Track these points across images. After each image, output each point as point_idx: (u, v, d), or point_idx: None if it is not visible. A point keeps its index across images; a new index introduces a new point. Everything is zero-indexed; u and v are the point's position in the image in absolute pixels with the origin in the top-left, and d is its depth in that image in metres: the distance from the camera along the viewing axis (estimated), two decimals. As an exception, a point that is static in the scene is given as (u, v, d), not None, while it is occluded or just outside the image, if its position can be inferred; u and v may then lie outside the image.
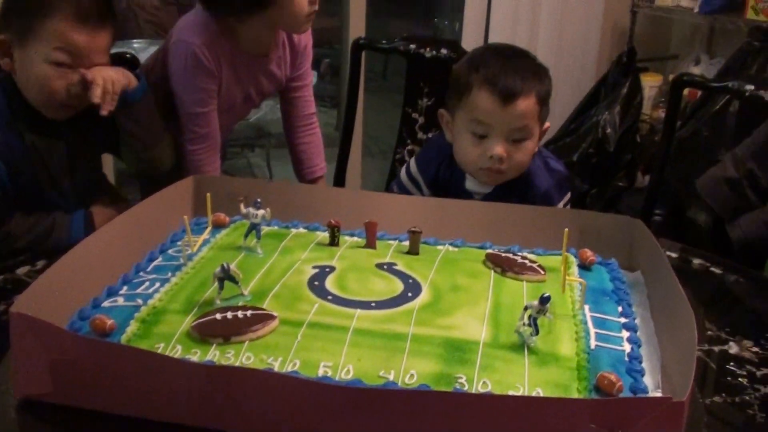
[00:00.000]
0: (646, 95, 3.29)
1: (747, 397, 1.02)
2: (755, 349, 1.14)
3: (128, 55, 1.79)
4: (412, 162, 1.56)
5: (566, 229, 1.09)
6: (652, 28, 3.53)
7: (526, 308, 0.94)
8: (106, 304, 1.00)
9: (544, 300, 0.92)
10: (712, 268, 1.39)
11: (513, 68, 1.39)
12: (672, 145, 1.81)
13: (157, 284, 1.04)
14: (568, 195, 1.49)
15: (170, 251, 1.16)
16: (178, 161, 1.62)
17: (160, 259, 1.13)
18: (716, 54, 3.32)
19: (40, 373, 0.87)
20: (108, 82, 1.40)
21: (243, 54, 1.66)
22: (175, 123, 1.63)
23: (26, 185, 1.41)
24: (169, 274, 1.07)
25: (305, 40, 1.76)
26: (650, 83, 3.35)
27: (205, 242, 1.18)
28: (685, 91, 3.27)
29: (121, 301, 1.00)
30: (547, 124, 1.45)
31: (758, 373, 1.08)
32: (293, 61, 1.76)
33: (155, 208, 1.22)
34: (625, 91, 3.19)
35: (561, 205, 1.47)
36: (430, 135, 2.06)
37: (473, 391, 0.84)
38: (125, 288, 1.04)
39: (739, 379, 1.06)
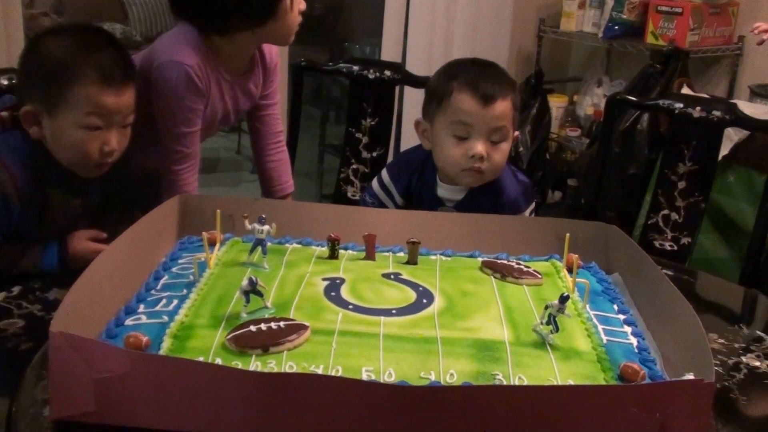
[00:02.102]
0: (553, 115, 3.46)
1: (727, 383, 1.12)
2: (721, 341, 1.25)
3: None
4: (384, 173, 1.63)
5: (567, 234, 1.17)
6: (555, 51, 3.73)
7: (546, 307, 1.00)
8: (129, 322, 0.99)
9: (564, 299, 0.99)
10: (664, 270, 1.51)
11: (490, 74, 1.50)
12: (608, 158, 1.93)
13: (176, 301, 1.04)
14: (533, 204, 1.58)
15: (174, 269, 1.16)
16: (158, 180, 1.60)
17: (166, 277, 1.13)
18: (615, 76, 3.54)
19: (81, 393, 0.85)
20: None
21: (226, 72, 1.66)
22: (145, 141, 1.60)
23: (26, 229, 1.38)
24: (185, 290, 1.07)
25: (276, 58, 1.78)
26: (557, 104, 3.53)
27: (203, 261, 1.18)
28: (591, 111, 3.50)
29: (144, 318, 1.00)
30: (516, 133, 1.55)
31: (730, 362, 1.18)
32: (265, 79, 1.77)
33: (147, 229, 1.21)
34: (534, 111, 3.35)
35: (527, 212, 1.56)
36: (374, 154, 2.12)
37: (514, 386, 0.90)
38: (142, 306, 1.04)
39: (715, 368, 1.15)
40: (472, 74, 1.48)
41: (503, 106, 1.46)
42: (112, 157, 1.41)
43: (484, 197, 1.52)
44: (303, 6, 1.66)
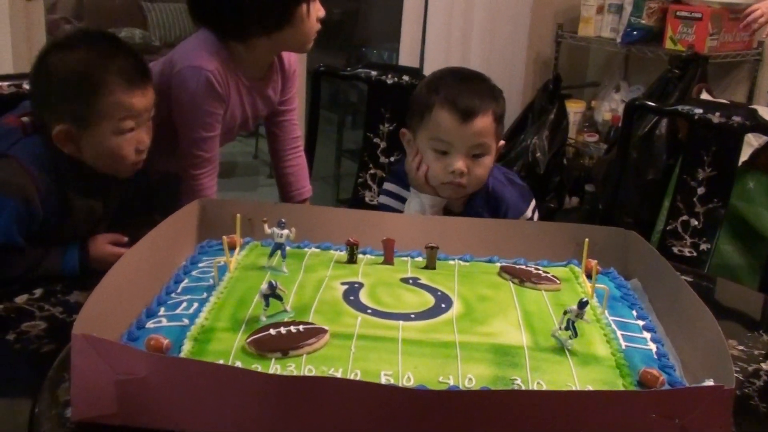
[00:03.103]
0: (570, 120, 3.46)
1: (746, 390, 1.12)
2: (741, 347, 1.24)
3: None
4: (391, 186, 1.63)
5: (586, 239, 1.17)
6: (573, 56, 3.73)
7: (565, 312, 1.00)
8: (150, 325, 1.00)
9: (583, 304, 0.99)
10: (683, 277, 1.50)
11: (470, 89, 1.48)
12: (627, 164, 1.93)
13: (196, 304, 1.05)
14: (534, 201, 1.60)
15: (194, 273, 1.17)
16: (177, 186, 1.62)
17: (186, 280, 1.14)
18: (634, 81, 3.53)
19: (103, 395, 0.86)
20: None
21: (245, 78, 1.67)
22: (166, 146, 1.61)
23: (48, 233, 1.40)
24: (205, 294, 1.08)
25: (294, 64, 1.79)
26: (574, 109, 3.53)
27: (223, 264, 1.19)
28: (609, 116, 3.49)
29: (165, 321, 1.01)
30: (501, 142, 1.55)
31: (750, 369, 1.18)
32: (284, 84, 1.79)
33: (167, 233, 1.22)
34: (552, 117, 3.35)
35: (530, 211, 1.58)
36: (392, 159, 2.13)
37: (532, 391, 0.90)
38: (162, 309, 1.04)
39: (735, 375, 1.15)
40: (453, 89, 1.47)
41: (483, 123, 1.46)
42: (144, 153, 1.44)
43: (484, 208, 1.54)
44: (322, 13, 1.66)
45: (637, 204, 2.81)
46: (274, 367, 0.91)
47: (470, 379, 0.91)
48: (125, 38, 4.85)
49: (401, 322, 1.03)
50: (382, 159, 2.15)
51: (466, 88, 1.48)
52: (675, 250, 1.94)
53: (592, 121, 3.57)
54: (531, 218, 1.58)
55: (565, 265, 1.28)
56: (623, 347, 1.01)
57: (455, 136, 1.45)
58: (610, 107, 3.48)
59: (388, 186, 1.64)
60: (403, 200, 1.59)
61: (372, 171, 2.16)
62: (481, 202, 1.55)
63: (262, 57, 1.69)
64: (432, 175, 1.49)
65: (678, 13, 3.10)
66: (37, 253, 1.37)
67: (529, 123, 3.41)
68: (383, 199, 1.63)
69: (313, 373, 0.91)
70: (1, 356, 1.15)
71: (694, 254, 1.90)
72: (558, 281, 1.19)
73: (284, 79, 1.78)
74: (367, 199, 2.15)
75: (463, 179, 1.47)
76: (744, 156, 2.29)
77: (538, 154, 3.32)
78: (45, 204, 1.37)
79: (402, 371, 0.92)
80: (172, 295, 1.09)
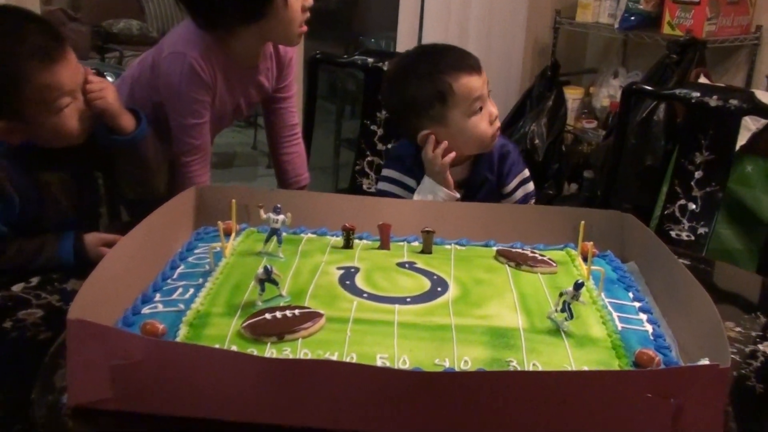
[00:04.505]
0: (569, 107, 3.45)
1: (744, 371, 1.12)
2: (738, 329, 1.24)
3: (93, 70, 1.78)
4: (390, 172, 1.62)
5: (582, 222, 1.16)
6: (571, 43, 3.72)
7: (561, 294, 1.00)
8: (145, 310, 1.00)
9: (578, 286, 0.99)
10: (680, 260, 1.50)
11: (456, 51, 1.56)
12: (625, 149, 1.92)
13: (192, 290, 1.05)
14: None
15: (190, 259, 1.17)
16: (172, 174, 1.61)
17: (182, 266, 1.14)
18: (632, 67, 3.52)
19: (98, 379, 0.86)
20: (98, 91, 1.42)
21: (235, 65, 1.67)
22: (164, 135, 1.61)
23: (32, 214, 1.40)
24: (200, 279, 1.08)
25: (291, 52, 1.78)
26: (572, 96, 3.52)
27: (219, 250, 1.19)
28: (607, 103, 3.48)
29: (160, 307, 1.01)
30: None
31: (747, 350, 1.18)
32: (279, 72, 1.78)
33: (163, 220, 1.22)
34: (550, 103, 3.34)
35: (526, 171, 1.65)
36: (389, 146, 2.12)
37: (528, 373, 0.89)
38: (158, 295, 1.05)
39: (732, 356, 1.15)
40: (450, 59, 1.52)
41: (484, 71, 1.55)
42: (92, 120, 1.42)
43: (487, 172, 1.60)
44: (309, 2, 1.64)
45: (636, 189, 2.80)
46: (270, 352, 0.91)
47: (466, 361, 0.91)
48: (123, 30, 4.91)
49: (397, 306, 1.03)
50: (380, 146, 2.14)
51: (453, 52, 1.55)
52: (673, 234, 1.93)
53: (591, 107, 3.57)
54: (527, 182, 1.64)
55: (561, 249, 1.28)
56: (619, 329, 1.01)
57: (481, 88, 1.52)
58: (609, 93, 3.47)
59: (388, 172, 1.63)
60: (405, 186, 1.59)
61: (369, 158, 2.15)
62: (486, 165, 1.60)
63: (249, 46, 1.67)
64: (482, 137, 1.53)
65: (676, -3, 3.09)
66: (34, 245, 1.37)
67: (527, 110, 3.40)
68: (384, 186, 1.62)
69: (309, 357, 0.91)
70: (-2, 344, 1.15)
71: (692, 238, 1.89)
72: (554, 264, 1.19)
73: (279, 66, 1.77)
74: (364, 186, 2.15)
75: (497, 121, 1.56)
76: (742, 140, 2.29)
77: (537, 141, 3.31)
78: (18, 188, 1.36)
79: (398, 354, 0.92)
80: (168, 281, 1.09)
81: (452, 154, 1.52)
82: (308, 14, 1.64)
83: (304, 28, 1.65)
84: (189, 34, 1.62)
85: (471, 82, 1.50)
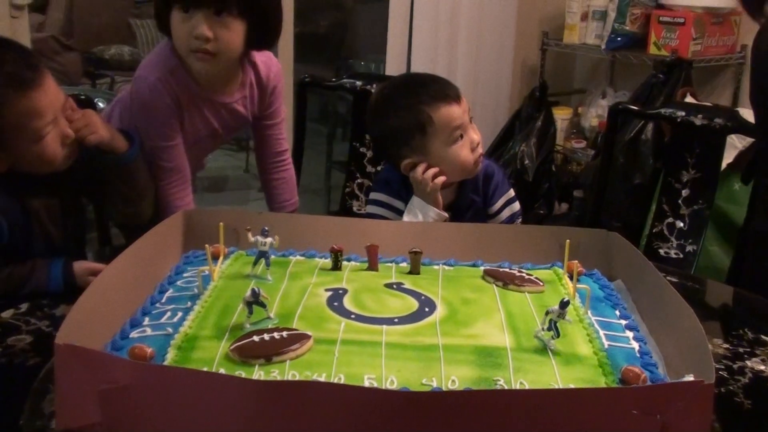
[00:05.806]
0: (558, 127, 3.48)
1: (731, 387, 1.12)
2: (726, 345, 1.25)
3: (82, 97, 1.79)
4: (379, 195, 1.63)
5: (567, 240, 1.17)
6: (559, 64, 3.75)
7: (547, 313, 1.01)
8: (134, 335, 1.00)
9: (564, 304, 0.99)
10: (668, 278, 1.51)
11: (437, 81, 1.58)
12: (614, 169, 1.94)
13: (180, 313, 1.05)
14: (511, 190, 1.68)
15: (179, 282, 1.17)
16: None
17: (171, 290, 1.14)
18: (619, 87, 3.55)
19: (87, 404, 0.86)
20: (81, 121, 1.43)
21: (204, 91, 1.68)
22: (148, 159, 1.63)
23: (19, 239, 1.40)
24: (189, 303, 1.08)
25: (275, 79, 1.79)
26: (561, 116, 3.54)
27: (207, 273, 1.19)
28: (596, 122, 3.50)
29: (149, 331, 1.01)
30: None
31: (735, 366, 1.18)
32: (261, 100, 1.78)
33: (152, 243, 1.23)
34: (539, 124, 3.36)
35: (512, 191, 1.67)
36: (378, 168, 2.13)
37: (515, 391, 0.90)
38: (147, 319, 1.05)
39: (720, 372, 1.16)
40: (431, 89, 1.54)
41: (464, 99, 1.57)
42: (73, 143, 1.42)
43: (473, 194, 1.61)
44: (197, 31, 1.58)
45: (625, 208, 2.82)
46: (258, 374, 0.92)
47: (453, 380, 0.92)
48: (114, 55, 4.94)
49: (385, 327, 1.03)
50: (369, 168, 2.16)
51: (434, 82, 1.57)
52: (662, 252, 1.95)
53: (580, 127, 3.59)
54: (513, 201, 1.66)
55: (549, 268, 1.29)
56: (606, 346, 1.02)
57: (461, 116, 1.53)
58: (597, 113, 3.49)
59: (376, 196, 1.64)
60: (394, 209, 1.60)
61: (359, 180, 2.16)
62: (471, 187, 1.62)
63: (207, 70, 1.66)
64: (463, 163, 1.54)
65: (661, 18, 3.12)
66: (25, 271, 1.37)
67: (516, 131, 3.43)
68: (373, 209, 1.63)
69: (297, 379, 0.91)
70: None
71: (681, 256, 1.91)
72: (541, 283, 1.20)
73: (262, 95, 1.77)
74: (355, 208, 2.16)
75: (480, 147, 1.58)
76: (729, 158, 2.31)
77: (527, 162, 3.33)
78: (6, 213, 1.37)
79: (385, 374, 0.92)
80: (157, 304, 1.09)
81: (443, 177, 1.53)
82: (198, 42, 1.59)
83: (200, 54, 1.60)
84: (155, 56, 1.66)
85: (450, 112, 1.51)
